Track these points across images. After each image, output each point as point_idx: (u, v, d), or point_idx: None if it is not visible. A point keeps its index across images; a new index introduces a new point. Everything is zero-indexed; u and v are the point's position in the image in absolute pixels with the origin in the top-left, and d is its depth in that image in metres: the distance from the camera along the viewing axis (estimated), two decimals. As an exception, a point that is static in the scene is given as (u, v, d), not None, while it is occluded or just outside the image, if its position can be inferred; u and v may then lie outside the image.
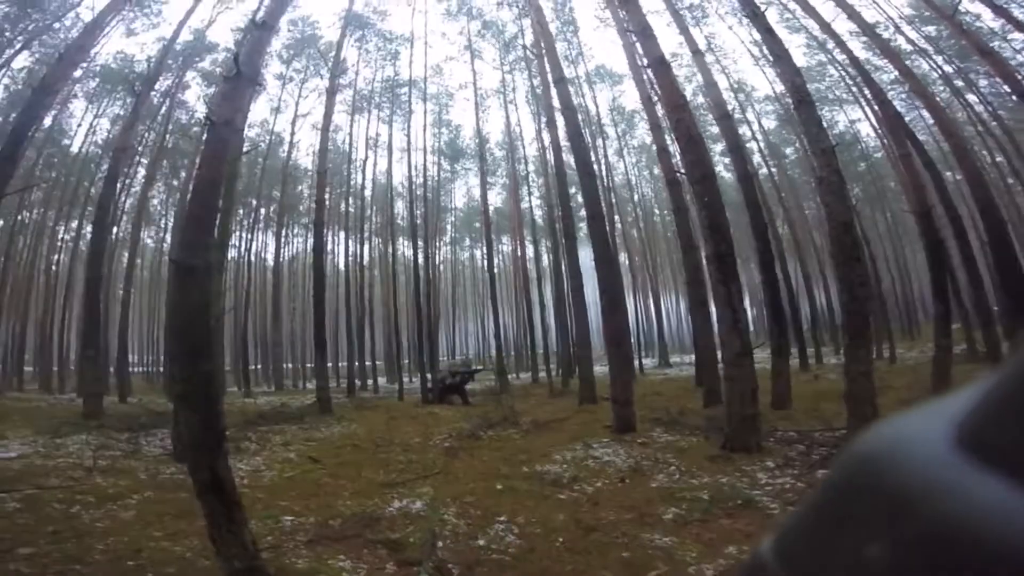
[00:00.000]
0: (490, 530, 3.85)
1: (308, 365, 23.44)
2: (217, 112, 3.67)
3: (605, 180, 19.60)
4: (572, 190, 14.15)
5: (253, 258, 23.85)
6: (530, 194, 22.23)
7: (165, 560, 3.42)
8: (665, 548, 3.36)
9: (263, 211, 24.11)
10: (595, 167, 15.36)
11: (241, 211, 21.83)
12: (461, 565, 3.32)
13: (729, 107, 11.60)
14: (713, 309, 12.30)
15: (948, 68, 15.45)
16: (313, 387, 15.10)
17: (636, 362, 17.66)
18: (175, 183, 20.36)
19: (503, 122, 21.86)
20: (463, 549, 3.58)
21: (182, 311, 2.99)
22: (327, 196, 16.65)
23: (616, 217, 21.43)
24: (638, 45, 10.23)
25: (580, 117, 10.73)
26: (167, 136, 17.91)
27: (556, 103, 10.60)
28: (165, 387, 15.34)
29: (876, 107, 12.69)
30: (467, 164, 26.13)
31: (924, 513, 0.21)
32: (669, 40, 21.26)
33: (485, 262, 20.83)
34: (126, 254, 19.79)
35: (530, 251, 22.29)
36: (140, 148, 18.14)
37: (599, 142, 20.83)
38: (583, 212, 19.49)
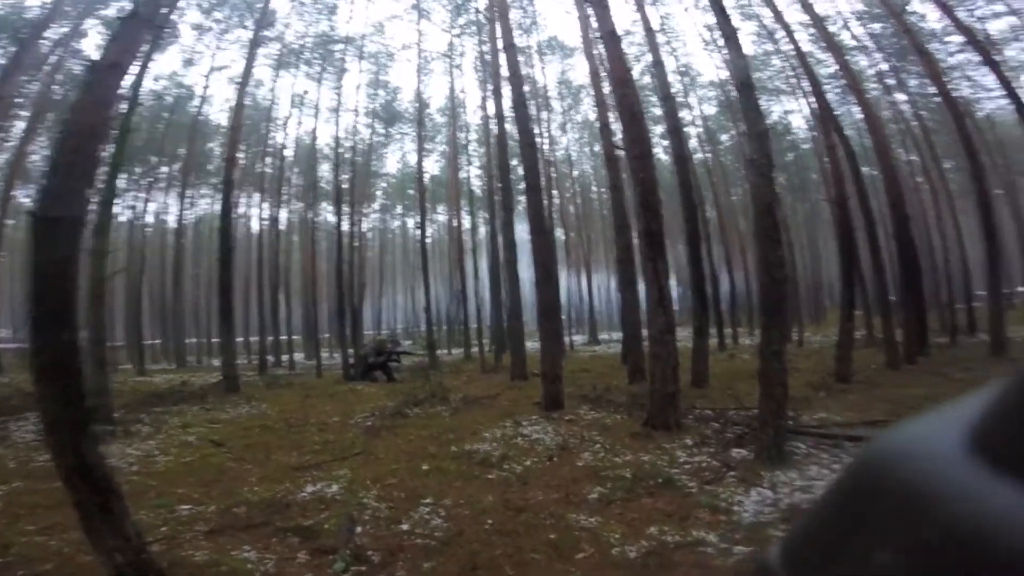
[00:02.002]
0: (415, 513, 3.78)
1: (215, 340, 21.96)
2: (103, 54, 3.25)
3: (547, 153, 19.62)
4: (514, 162, 14.01)
5: (152, 219, 21.79)
6: (469, 164, 21.84)
7: (39, 556, 3.16)
8: (591, 529, 3.44)
9: (166, 169, 21.95)
10: (538, 139, 15.29)
11: (139, 168, 19.79)
12: (382, 551, 3.22)
13: (673, 89, 11.88)
14: (642, 287, 12.88)
15: (884, 66, 16.70)
16: (219, 364, 14.19)
17: (567, 339, 18.14)
18: (56, 147, 17.98)
19: (447, 88, 21.20)
20: (385, 534, 3.48)
21: (42, 268, 2.59)
22: (241, 155, 15.44)
23: (555, 192, 21.60)
24: (592, 18, 10.16)
25: (528, 88, 10.55)
26: (54, 87, 15.80)
27: (505, 71, 10.37)
28: (29, 365, 13.85)
29: (811, 99, 13.49)
30: (404, 128, 25.12)
31: (936, 518, 0.21)
32: (625, 17, 21.49)
33: (418, 232, 20.34)
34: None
35: (467, 222, 21.98)
36: (23, 100, 15.91)
37: (544, 115, 20.76)
38: (523, 185, 19.57)
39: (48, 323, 2.60)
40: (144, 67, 9.51)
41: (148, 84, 15.56)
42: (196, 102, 20.15)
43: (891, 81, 16.96)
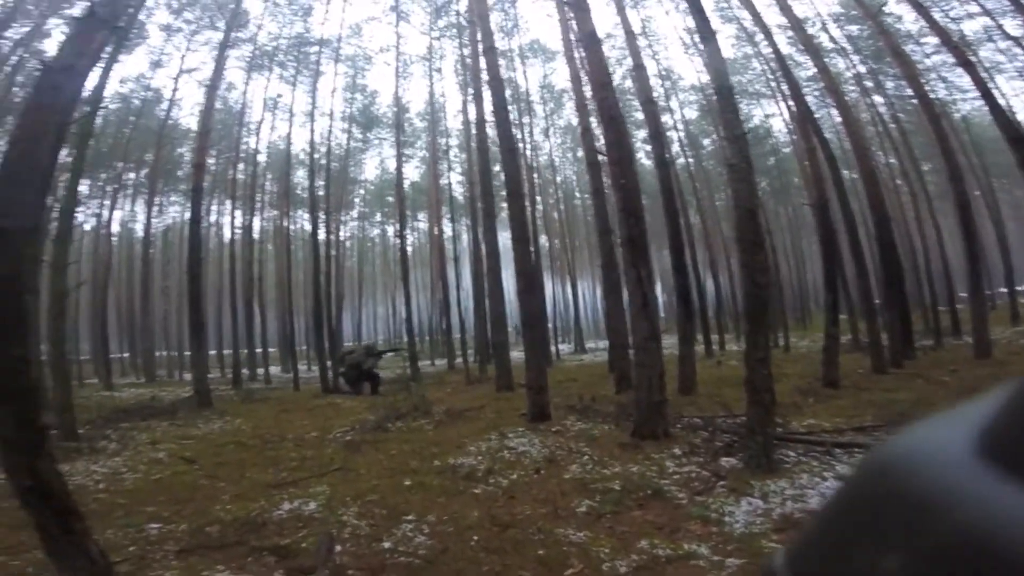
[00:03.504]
0: (397, 531, 3.71)
1: (187, 354, 21.49)
2: (57, 55, 3.19)
3: (529, 159, 19.70)
4: (495, 168, 14.03)
5: (117, 228, 21.30)
6: (450, 170, 21.80)
7: None
8: (580, 544, 3.41)
9: (132, 175, 21.52)
10: (520, 145, 15.36)
11: (103, 175, 19.37)
12: (364, 571, 3.15)
13: (655, 93, 12.04)
14: (625, 295, 12.95)
15: (862, 68, 17.16)
16: (191, 378, 13.87)
17: (553, 348, 18.15)
18: (2, 154, 17.49)
19: (426, 92, 21.14)
20: (365, 553, 3.40)
21: None
22: (212, 160, 15.21)
23: (538, 198, 21.66)
24: (573, 21, 10.26)
25: (509, 92, 10.58)
26: (14, 88, 15.40)
27: (485, 75, 10.37)
28: None
29: (791, 102, 13.79)
30: (382, 134, 25.04)
31: (944, 523, 0.21)
32: (606, 20, 21.79)
33: (397, 240, 20.20)
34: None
35: (448, 230, 21.92)
36: None
37: (526, 119, 20.84)
38: (505, 192, 19.58)
39: None
40: (108, 69, 9.32)
41: (113, 87, 15.31)
42: (164, 105, 19.84)
43: (869, 83, 17.46)
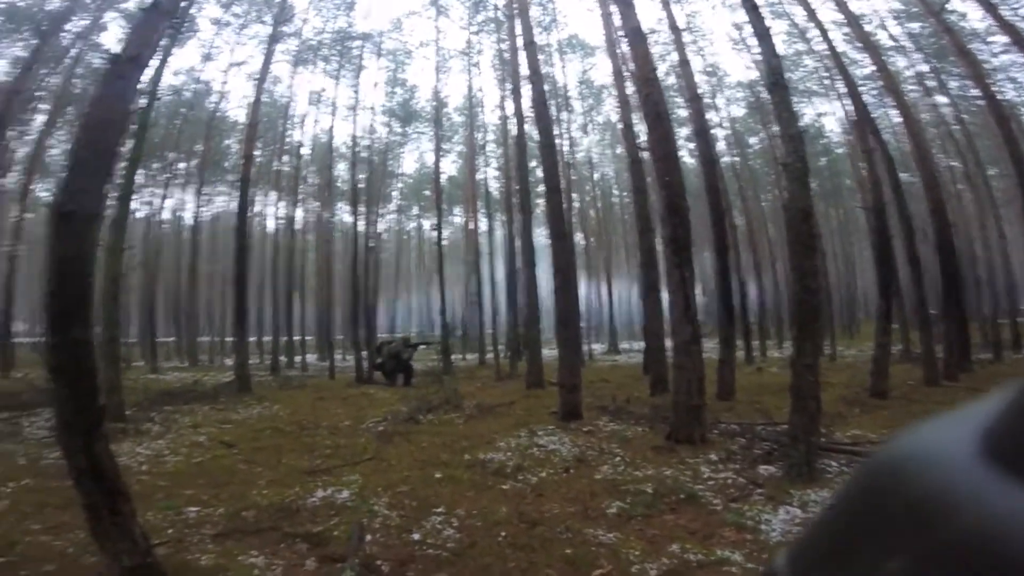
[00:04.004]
0: (426, 523, 3.76)
1: (228, 339, 22.32)
2: (124, 46, 3.33)
3: (567, 155, 19.59)
4: (532, 164, 14.00)
5: (168, 216, 22.29)
6: (487, 165, 21.90)
7: (43, 556, 3.17)
8: (609, 545, 3.38)
9: (183, 165, 22.47)
10: (558, 140, 15.29)
11: (156, 164, 20.30)
12: (392, 561, 3.19)
13: (699, 90, 11.77)
14: (665, 295, 12.74)
15: (923, 67, 16.35)
16: (232, 363, 14.41)
17: (585, 347, 18.03)
18: (73, 142, 18.53)
19: (464, 86, 21.31)
20: (395, 543, 3.46)
21: (55, 265, 2.64)
22: (258, 152, 15.74)
23: (574, 195, 21.52)
24: (615, 15, 10.13)
25: (547, 87, 10.54)
26: (74, 80, 16.31)
27: (524, 69, 10.36)
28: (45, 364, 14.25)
29: (847, 101, 13.26)
30: (421, 128, 25.36)
31: (948, 524, 0.21)
32: (650, 15, 21.45)
33: (434, 233, 20.43)
34: (16, 207, 18.00)
35: (483, 225, 22.02)
36: (42, 93, 16.48)
37: (564, 115, 20.74)
38: (541, 188, 19.56)
39: (63, 320, 2.63)
40: (163, 62, 9.75)
41: (166, 79, 15.96)
42: (214, 98, 20.63)
43: (931, 83, 16.60)
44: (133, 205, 11.95)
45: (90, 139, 2.90)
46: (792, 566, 0.29)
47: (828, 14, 12.61)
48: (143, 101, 7.94)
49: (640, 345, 19.06)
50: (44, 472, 4.91)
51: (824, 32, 11.39)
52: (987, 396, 0.27)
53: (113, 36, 17.61)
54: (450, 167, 27.97)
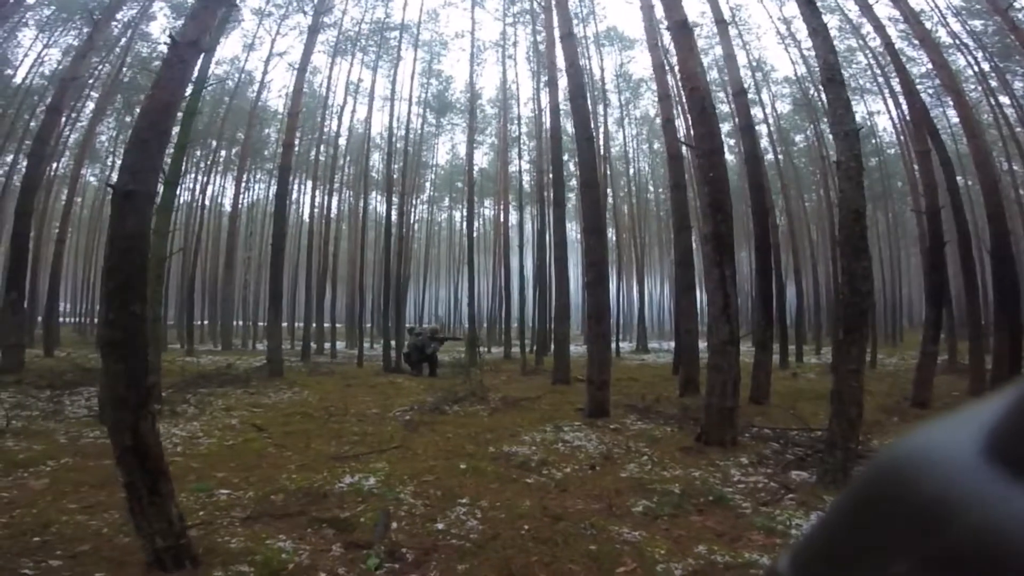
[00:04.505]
0: (450, 513, 3.79)
1: (261, 324, 22.98)
2: (182, 31, 3.43)
3: (602, 149, 19.42)
4: (565, 157, 13.89)
5: (208, 202, 23.03)
6: (520, 157, 21.88)
7: (78, 536, 3.23)
8: (634, 543, 3.36)
9: (224, 153, 23.19)
10: (594, 134, 15.16)
11: (199, 151, 20.99)
12: (416, 550, 3.24)
13: (744, 84, 11.48)
14: (699, 295, 12.51)
15: (985, 66, 15.55)
16: (264, 348, 14.82)
17: (614, 345, 17.89)
18: (128, 119, 19.32)
19: (498, 78, 21.43)
20: (419, 532, 3.50)
21: (116, 241, 2.75)
22: (297, 141, 16.09)
23: (608, 190, 21.31)
24: (657, 6, 9.95)
25: (583, 80, 10.46)
26: (123, 69, 16.99)
27: (560, 61, 10.28)
28: (97, 339, 14.88)
29: (902, 99, 12.72)
30: (455, 119, 25.54)
31: (953, 526, 0.21)
32: (691, 7, 21.04)
33: (464, 225, 20.56)
34: (65, 191, 18.90)
35: (513, 218, 22.05)
36: (93, 81, 17.27)
37: (600, 108, 20.54)
38: (573, 183, 19.44)
39: (121, 295, 2.70)
40: (211, 50, 10.04)
41: (211, 68, 16.46)
42: (255, 87, 21.18)
43: (993, 83, 15.75)
44: (176, 191, 12.40)
45: (152, 122, 2.98)
46: (795, 568, 0.29)
47: (883, 10, 12.13)
48: (190, 87, 8.18)
49: (669, 345, 18.80)
50: (83, 451, 5.08)
51: (880, 28, 10.93)
52: (992, 397, 0.26)
53: (160, 25, 18.32)
54: (482, 159, 28.13)
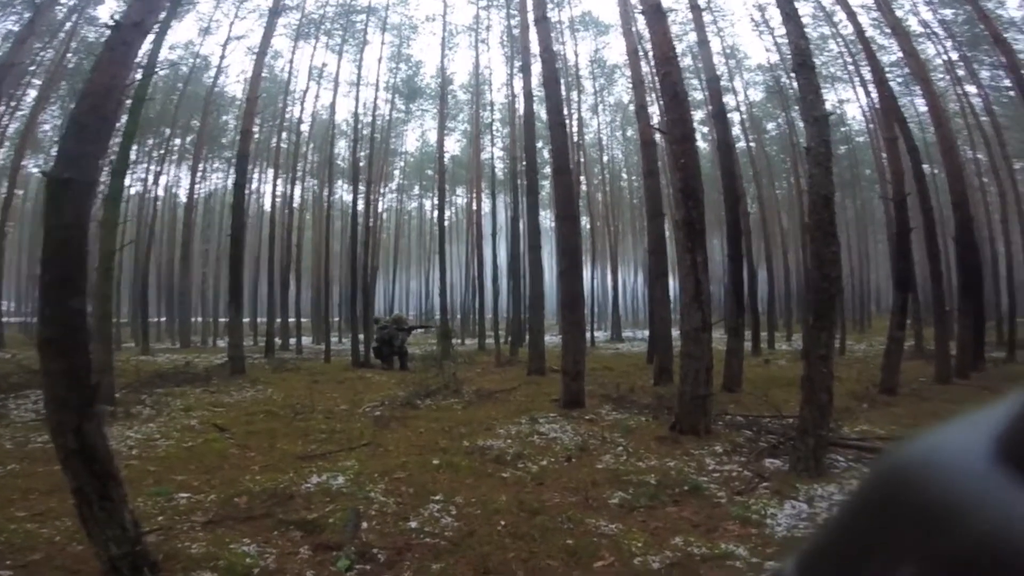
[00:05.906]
0: (424, 511, 3.77)
1: (221, 320, 22.36)
2: (127, 12, 3.29)
3: (576, 136, 19.44)
4: (539, 144, 13.84)
5: (162, 192, 22.25)
6: (493, 144, 21.75)
7: (28, 545, 3.13)
8: (611, 536, 3.39)
9: (179, 141, 22.37)
10: (567, 120, 15.16)
11: (151, 140, 20.20)
12: (389, 550, 3.20)
13: (718, 71, 11.61)
14: (672, 282, 12.69)
15: (954, 55, 16.05)
16: (225, 345, 14.43)
17: (588, 335, 18.04)
18: (73, 107, 18.40)
19: (471, 63, 21.15)
20: (392, 532, 3.47)
21: (53, 232, 2.61)
22: (256, 128, 15.63)
23: (582, 177, 21.40)
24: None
25: (557, 66, 10.43)
26: (68, 55, 16.15)
27: (534, 46, 10.21)
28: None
29: (872, 88, 13.06)
30: (425, 105, 25.15)
31: (961, 530, 0.22)
32: (668, -9, 21.12)
33: (436, 213, 20.35)
34: (5, 183, 17.95)
35: (486, 206, 21.93)
36: (35, 68, 16.36)
37: (574, 95, 20.53)
38: (547, 170, 19.42)
39: (58, 290, 2.59)
40: (162, 34, 9.61)
41: (163, 53, 15.80)
42: (212, 73, 20.43)
43: (960, 72, 16.32)
44: (126, 181, 11.89)
45: (92, 105, 2.84)
46: (801, 570, 0.29)
47: (858, -2, 12.39)
48: (139, 73, 7.84)
49: (644, 334, 19.07)
50: (30, 456, 4.90)
51: (852, 15, 11.17)
52: (1001, 399, 0.26)
53: (109, 9, 17.46)
54: (454, 146, 27.82)
